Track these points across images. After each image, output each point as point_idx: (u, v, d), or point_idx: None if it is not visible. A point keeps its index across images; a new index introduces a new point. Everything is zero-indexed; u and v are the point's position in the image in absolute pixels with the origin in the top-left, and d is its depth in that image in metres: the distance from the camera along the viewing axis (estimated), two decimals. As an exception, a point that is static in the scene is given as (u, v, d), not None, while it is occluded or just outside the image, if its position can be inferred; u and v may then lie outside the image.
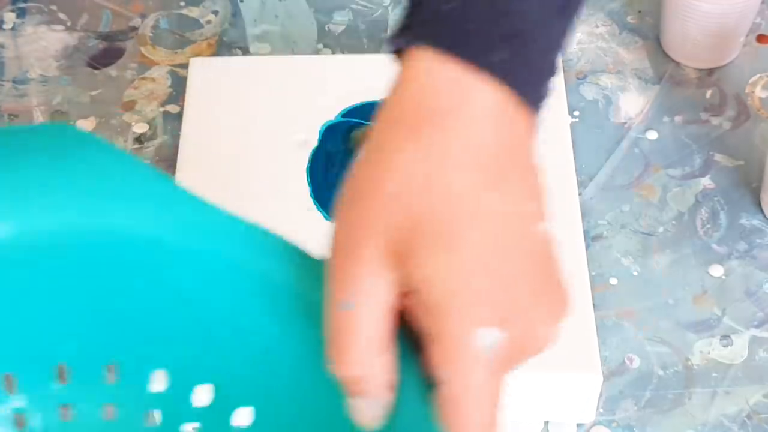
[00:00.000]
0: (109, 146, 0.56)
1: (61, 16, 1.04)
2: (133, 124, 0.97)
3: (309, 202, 0.85)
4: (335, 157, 0.87)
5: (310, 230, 0.84)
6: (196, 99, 0.90)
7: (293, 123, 0.89)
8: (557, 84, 0.91)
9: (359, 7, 1.05)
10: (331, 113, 0.89)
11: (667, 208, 0.91)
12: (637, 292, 0.87)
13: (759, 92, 0.98)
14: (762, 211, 0.91)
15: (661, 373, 0.83)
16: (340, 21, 1.04)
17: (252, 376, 0.56)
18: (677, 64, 1.00)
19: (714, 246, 0.89)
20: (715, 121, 0.96)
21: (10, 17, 1.04)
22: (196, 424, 0.59)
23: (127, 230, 0.54)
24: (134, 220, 0.54)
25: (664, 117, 0.96)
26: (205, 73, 0.92)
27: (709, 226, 0.90)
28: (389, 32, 1.01)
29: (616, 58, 1.00)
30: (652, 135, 0.95)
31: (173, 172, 0.90)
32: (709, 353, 0.84)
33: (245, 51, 1.02)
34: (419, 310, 0.49)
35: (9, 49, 1.02)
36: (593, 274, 0.86)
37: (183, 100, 0.94)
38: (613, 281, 0.87)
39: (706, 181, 0.93)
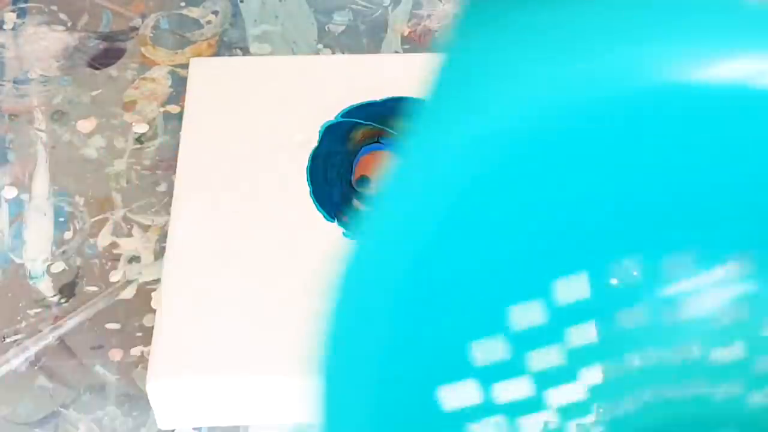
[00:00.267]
0: None
1: (62, 16, 1.05)
2: (133, 124, 0.97)
3: (309, 202, 0.85)
4: (335, 157, 0.87)
5: (310, 230, 0.84)
6: (196, 99, 0.90)
7: (293, 123, 0.89)
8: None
9: (359, 7, 1.05)
10: (331, 113, 0.89)
11: (666, 208, 0.91)
12: (636, 292, 0.87)
13: (758, 92, 0.98)
14: (761, 211, 0.91)
15: (660, 372, 0.83)
16: (340, 21, 1.04)
17: None
18: (677, 64, 1.00)
19: (713, 246, 0.89)
20: (714, 121, 0.96)
21: (10, 17, 1.04)
22: None
23: None
24: None
25: (664, 117, 0.96)
26: (205, 73, 0.92)
27: (708, 225, 0.90)
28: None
29: (616, 58, 1.00)
30: (652, 135, 0.95)
31: (174, 172, 0.90)
32: (708, 353, 0.84)
33: (245, 51, 1.02)
34: None
35: (9, 49, 1.02)
36: (593, 273, 0.86)
37: (183, 100, 0.95)
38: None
39: (705, 181, 0.93)
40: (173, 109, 0.98)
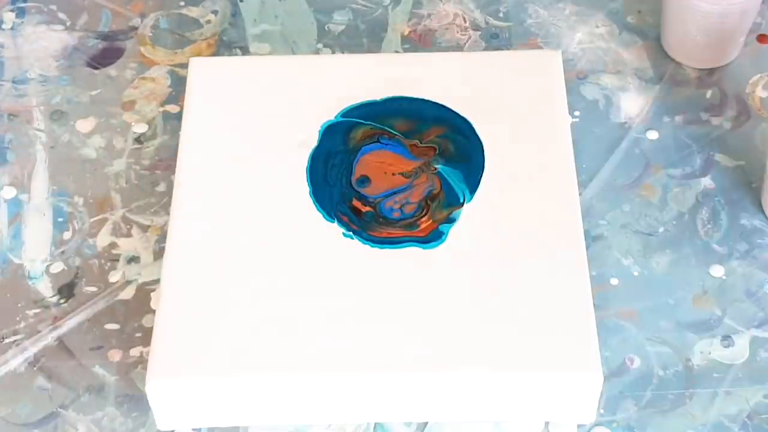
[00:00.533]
0: None
1: (61, 15, 1.04)
2: (133, 123, 0.97)
3: (309, 202, 0.85)
4: (335, 157, 0.87)
5: (310, 230, 0.84)
6: (195, 99, 0.90)
7: (293, 123, 0.89)
8: (558, 84, 0.91)
9: (359, 7, 1.05)
10: (331, 113, 0.89)
11: (667, 208, 0.91)
12: (637, 292, 0.87)
13: (759, 92, 0.98)
14: (762, 212, 0.91)
15: (661, 373, 0.83)
16: (340, 21, 1.04)
17: None
18: (677, 64, 1.00)
19: (714, 246, 0.89)
20: (715, 121, 0.96)
21: (9, 17, 1.04)
22: None
23: None
24: None
25: (665, 117, 0.96)
26: (205, 73, 0.92)
27: (709, 226, 0.90)
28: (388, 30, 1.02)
29: (616, 58, 1.00)
30: (653, 135, 0.95)
31: (173, 172, 0.90)
32: (709, 353, 0.84)
33: (245, 51, 1.02)
34: None
35: (9, 49, 1.02)
36: (593, 274, 0.86)
37: (183, 100, 0.94)
38: (614, 281, 0.87)
39: (706, 181, 0.93)
40: (173, 108, 0.98)
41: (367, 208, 0.84)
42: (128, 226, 0.91)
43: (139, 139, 0.96)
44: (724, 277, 0.87)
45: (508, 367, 0.77)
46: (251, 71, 0.92)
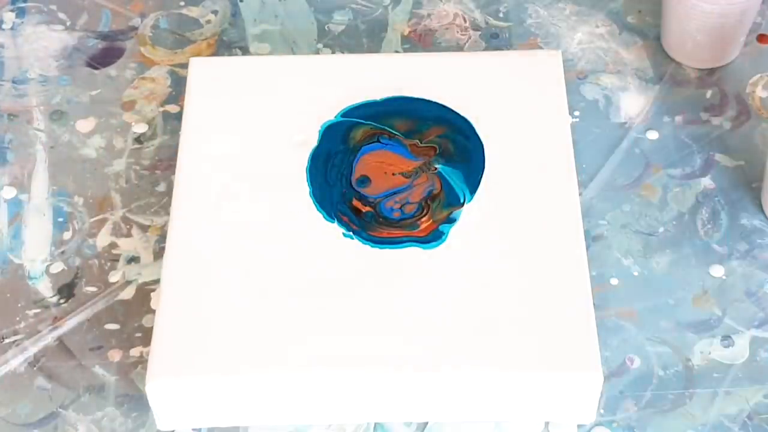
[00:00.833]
0: None
1: (61, 15, 1.04)
2: (133, 123, 0.97)
3: (309, 202, 0.85)
4: (335, 157, 0.87)
5: (310, 230, 0.84)
6: (195, 99, 0.90)
7: (293, 123, 0.89)
8: (558, 84, 0.91)
9: (359, 7, 1.05)
10: (331, 113, 0.89)
11: (667, 208, 0.91)
12: (637, 292, 0.87)
13: (759, 92, 0.98)
14: (762, 211, 0.91)
15: (661, 373, 0.83)
16: (340, 21, 1.04)
17: None
18: (677, 64, 1.00)
19: (714, 246, 0.89)
20: (715, 121, 0.96)
21: (9, 17, 1.04)
22: None
23: None
24: None
25: (665, 117, 0.96)
26: (205, 73, 0.92)
27: (709, 226, 0.90)
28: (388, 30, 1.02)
29: (616, 58, 1.00)
30: (653, 135, 0.95)
31: (173, 172, 0.90)
32: (709, 353, 0.84)
33: (245, 51, 1.02)
34: None
35: (9, 49, 1.02)
36: (593, 274, 0.86)
37: (183, 100, 0.94)
38: (614, 281, 0.87)
39: (706, 181, 0.93)
40: (172, 108, 0.98)
41: (367, 208, 0.84)
42: (128, 226, 0.91)
43: (139, 139, 0.96)
44: (724, 277, 0.87)
45: (508, 366, 0.77)
46: (251, 71, 0.92)
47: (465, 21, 1.03)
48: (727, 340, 0.84)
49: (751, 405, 0.82)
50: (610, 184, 0.92)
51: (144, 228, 0.91)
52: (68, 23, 1.04)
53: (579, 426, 0.81)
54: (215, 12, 1.05)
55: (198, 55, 1.01)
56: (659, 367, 0.83)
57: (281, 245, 0.82)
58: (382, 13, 1.04)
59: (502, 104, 0.89)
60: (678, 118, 0.96)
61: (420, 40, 1.02)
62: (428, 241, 0.82)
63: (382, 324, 0.78)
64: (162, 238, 0.89)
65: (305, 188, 0.85)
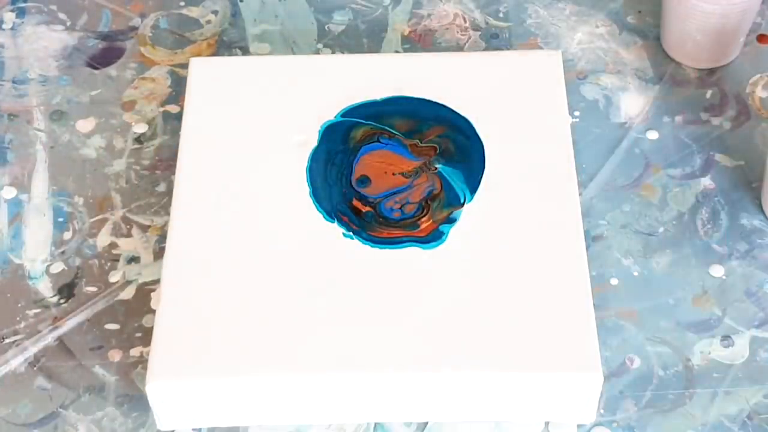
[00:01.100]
0: None
1: (61, 15, 1.04)
2: (133, 124, 0.97)
3: (309, 202, 0.85)
4: (335, 157, 0.87)
5: (310, 230, 0.84)
6: (196, 99, 0.90)
7: (293, 123, 0.89)
8: (558, 84, 0.91)
9: (359, 7, 1.05)
10: (331, 113, 0.89)
11: (667, 208, 0.91)
12: (637, 292, 0.87)
13: (759, 92, 0.98)
14: (762, 211, 0.91)
15: (661, 373, 0.83)
16: (340, 21, 1.04)
17: None
18: (677, 64, 1.00)
19: (714, 246, 0.89)
20: (715, 121, 0.96)
21: (9, 17, 1.04)
22: None
23: None
24: None
25: (665, 117, 0.96)
26: (205, 73, 0.92)
27: (709, 226, 0.90)
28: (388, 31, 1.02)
29: (616, 58, 1.00)
30: (653, 135, 0.95)
31: (173, 172, 0.90)
32: (709, 353, 0.84)
33: (245, 51, 1.02)
34: None
35: (9, 49, 1.02)
36: (593, 274, 0.86)
37: (183, 100, 0.94)
38: (614, 281, 0.87)
39: (706, 181, 0.93)
40: (173, 108, 0.98)
41: (367, 208, 0.84)
42: (128, 226, 0.91)
43: (139, 139, 0.96)
44: (724, 277, 0.87)
45: (508, 367, 0.77)
46: (251, 71, 0.92)
47: (465, 21, 1.03)
48: (727, 340, 0.85)
49: (751, 405, 0.82)
50: (610, 184, 0.92)
51: (144, 228, 0.91)
52: (68, 23, 1.04)
53: (579, 426, 0.81)
54: (215, 12, 1.05)
55: (198, 55, 1.01)
56: (659, 367, 0.83)
57: (281, 245, 0.82)
58: (382, 13, 1.04)
59: (502, 104, 0.89)
60: (678, 118, 0.96)
61: (420, 40, 1.02)
62: (428, 241, 0.82)
63: (381, 324, 0.78)
64: (162, 238, 0.89)
65: (305, 188, 0.85)
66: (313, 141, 0.88)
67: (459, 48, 1.01)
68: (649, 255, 0.89)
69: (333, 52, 1.01)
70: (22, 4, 1.05)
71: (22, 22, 1.04)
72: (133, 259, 0.89)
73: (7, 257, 0.89)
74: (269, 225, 0.84)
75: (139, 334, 0.85)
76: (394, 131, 0.88)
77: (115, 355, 0.84)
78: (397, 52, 1.01)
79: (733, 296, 0.87)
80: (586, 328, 0.78)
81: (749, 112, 0.97)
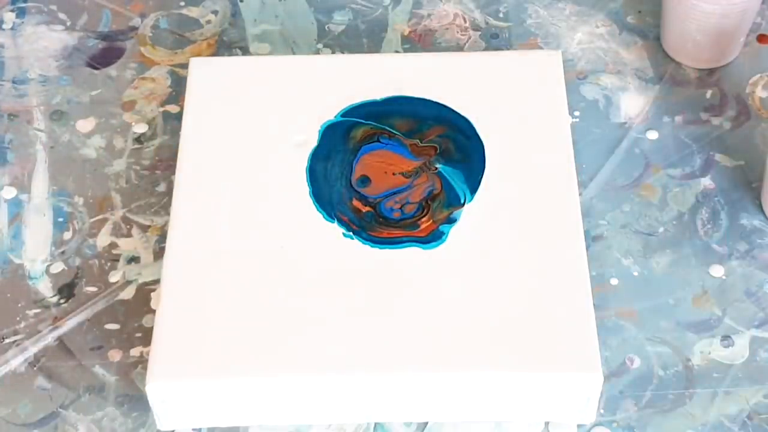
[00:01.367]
0: None
1: (61, 15, 1.04)
2: (133, 124, 0.97)
3: (309, 202, 0.85)
4: (335, 157, 0.87)
5: (310, 230, 0.84)
6: (196, 99, 0.90)
7: (293, 123, 0.89)
8: (558, 84, 0.91)
9: (359, 7, 1.05)
10: (331, 113, 0.89)
11: (667, 208, 0.91)
12: (637, 292, 0.87)
13: (759, 92, 0.98)
14: (762, 211, 0.91)
15: (661, 373, 0.83)
16: (340, 21, 1.04)
17: None
18: (677, 64, 1.00)
19: (714, 246, 0.89)
20: (715, 121, 0.96)
21: (9, 17, 1.04)
22: None
23: None
24: None
25: (665, 117, 0.96)
26: (205, 73, 0.92)
27: (709, 226, 0.90)
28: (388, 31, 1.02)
29: (616, 58, 1.00)
30: (653, 135, 0.95)
31: (173, 172, 0.90)
32: (709, 353, 0.84)
33: (245, 51, 1.02)
34: None
35: (9, 49, 1.02)
36: (593, 274, 0.86)
37: (183, 100, 0.94)
38: (614, 281, 0.87)
39: (706, 181, 0.93)
40: (173, 108, 0.98)
41: (367, 208, 0.84)
42: (128, 226, 0.91)
43: (139, 139, 0.96)
44: (724, 277, 0.87)
45: (508, 367, 0.77)
46: (251, 71, 0.92)
47: (465, 21, 1.03)
48: (727, 340, 0.85)
49: (751, 405, 0.82)
50: (610, 184, 0.92)
51: (144, 228, 0.91)
52: (68, 23, 1.04)
53: (579, 426, 0.81)
54: (215, 12, 1.05)
55: (198, 55, 1.01)
56: (659, 367, 0.83)
57: (281, 245, 0.82)
58: (382, 13, 1.04)
59: (502, 104, 0.89)
60: (678, 118, 0.96)
61: (420, 40, 1.02)
62: (428, 241, 0.82)
63: (382, 324, 0.78)
64: (162, 238, 0.89)
65: (305, 188, 0.85)
66: (313, 141, 0.88)
67: (459, 48, 1.01)
68: (649, 255, 0.89)
69: (333, 52, 1.01)
70: (22, 4, 1.05)
71: (22, 22, 1.04)
72: (133, 259, 0.89)
73: (7, 257, 0.89)
74: (269, 225, 0.84)
75: (139, 334, 0.85)
76: (394, 131, 0.88)
77: (115, 355, 0.84)
78: (397, 52, 1.01)
79: (733, 296, 0.87)
80: (586, 328, 0.78)
81: (749, 112, 0.97)
